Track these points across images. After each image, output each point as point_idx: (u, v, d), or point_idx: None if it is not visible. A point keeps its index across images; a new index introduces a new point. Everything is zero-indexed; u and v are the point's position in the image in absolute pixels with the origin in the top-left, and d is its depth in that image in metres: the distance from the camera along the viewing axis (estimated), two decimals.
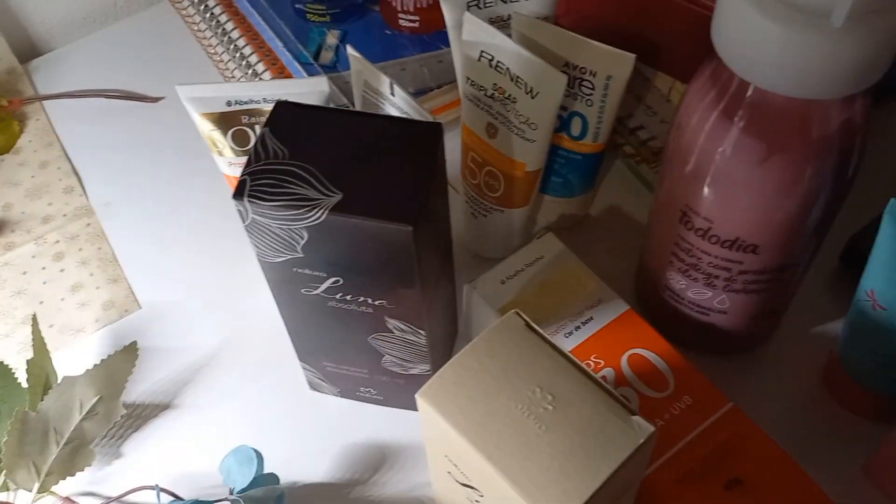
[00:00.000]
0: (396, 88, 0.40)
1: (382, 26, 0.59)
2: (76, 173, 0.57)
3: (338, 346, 0.41)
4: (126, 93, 0.62)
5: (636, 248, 0.48)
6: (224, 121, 0.39)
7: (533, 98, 0.41)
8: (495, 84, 0.42)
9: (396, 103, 0.41)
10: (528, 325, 0.32)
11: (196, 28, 0.66)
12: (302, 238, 0.33)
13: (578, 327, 0.41)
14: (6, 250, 0.54)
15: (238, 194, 0.32)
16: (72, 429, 0.40)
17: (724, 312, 0.43)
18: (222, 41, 0.62)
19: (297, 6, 0.60)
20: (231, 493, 0.38)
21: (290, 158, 0.33)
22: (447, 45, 0.49)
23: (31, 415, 0.40)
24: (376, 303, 0.36)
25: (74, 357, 0.48)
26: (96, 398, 0.41)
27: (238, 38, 0.61)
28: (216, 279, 0.52)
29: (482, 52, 0.42)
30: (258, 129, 0.40)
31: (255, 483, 0.38)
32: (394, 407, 0.45)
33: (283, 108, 0.35)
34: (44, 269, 0.52)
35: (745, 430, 0.38)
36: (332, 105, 0.41)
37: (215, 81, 0.53)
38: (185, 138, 0.56)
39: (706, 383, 0.40)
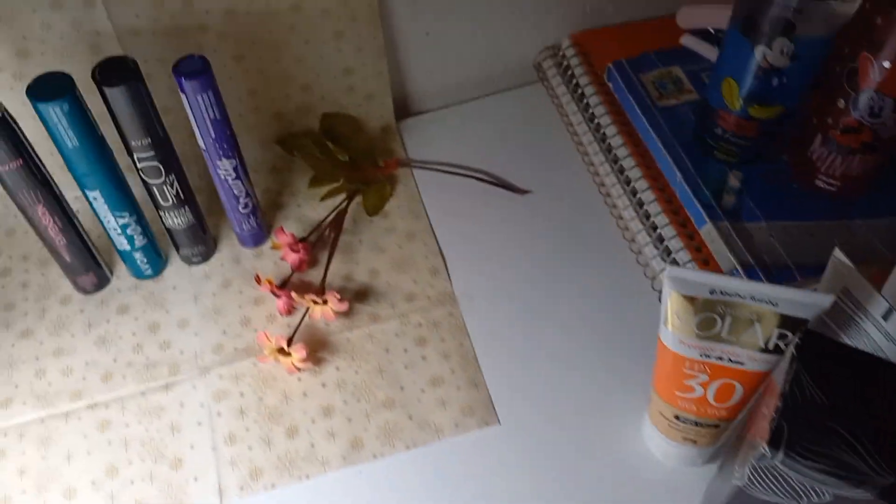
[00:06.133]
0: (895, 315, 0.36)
1: (787, 178, 0.54)
2: (442, 254, 0.57)
3: None
4: (495, 178, 0.61)
5: None
6: (700, 306, 0.37)
7: None
8: None
9: (886, 329, 0.37)
10: None
11: (567, 120, 0.65)
12: (820, 499, 0.30)
13: None
14: (372, 321, 0.54)
15: (774, 444, 0.30)
16: None
17: None
18: (599, 144, 0.61)
19: (706, 139, 0.55)
20: None
21: (830, 412, 0.30)
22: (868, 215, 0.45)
23: None
24: None
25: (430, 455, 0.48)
26: None
27: (619, 147, 0.59)
28: (581, 404, 0.49)
29: None
30: (728, 320, 0.37)
31: None
32: None
33: (812, 340, 0.32)
34: (406, 351, 0.52)
35: None
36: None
37: (581, 174, 0.52)
38: (558, 238, 0.56)
39: None
